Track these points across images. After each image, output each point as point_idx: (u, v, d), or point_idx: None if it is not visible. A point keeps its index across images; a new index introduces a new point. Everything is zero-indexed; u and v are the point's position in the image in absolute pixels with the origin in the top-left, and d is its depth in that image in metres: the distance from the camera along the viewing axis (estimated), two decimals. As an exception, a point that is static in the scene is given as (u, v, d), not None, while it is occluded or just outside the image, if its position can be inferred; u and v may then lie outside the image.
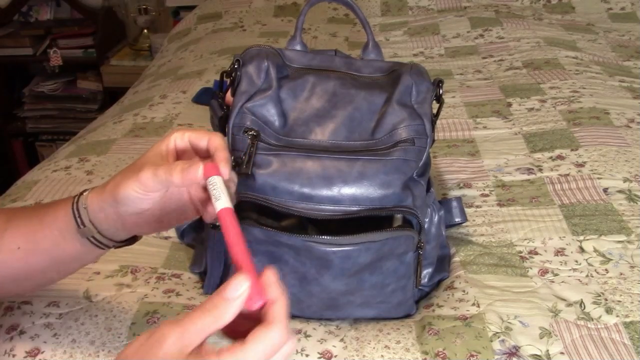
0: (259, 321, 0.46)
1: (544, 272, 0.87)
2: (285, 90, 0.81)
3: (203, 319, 0.45)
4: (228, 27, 2.08)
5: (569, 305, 0.80)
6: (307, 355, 0.75)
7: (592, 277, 0.85)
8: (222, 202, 0.53)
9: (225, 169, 0.56)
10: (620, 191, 1.02)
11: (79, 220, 0.61)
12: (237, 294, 0.46)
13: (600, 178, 1.06)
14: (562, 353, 0.73)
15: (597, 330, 0.76)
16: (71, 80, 2.76)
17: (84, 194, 0.63)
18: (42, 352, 0.75)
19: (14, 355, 0.75)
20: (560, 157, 1.14)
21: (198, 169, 0.55)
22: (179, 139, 0.61)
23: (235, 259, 0.49)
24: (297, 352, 0.75)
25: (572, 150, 1.15)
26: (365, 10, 2.11)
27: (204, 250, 0.86)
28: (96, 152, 1.28)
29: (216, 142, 0.59)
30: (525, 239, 0.94)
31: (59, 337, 0.76)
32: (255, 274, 0.48)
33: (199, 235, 0.93)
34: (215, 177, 0.55)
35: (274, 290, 0.48)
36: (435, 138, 1.01)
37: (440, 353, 0.74)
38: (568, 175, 1.08)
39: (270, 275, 0.48)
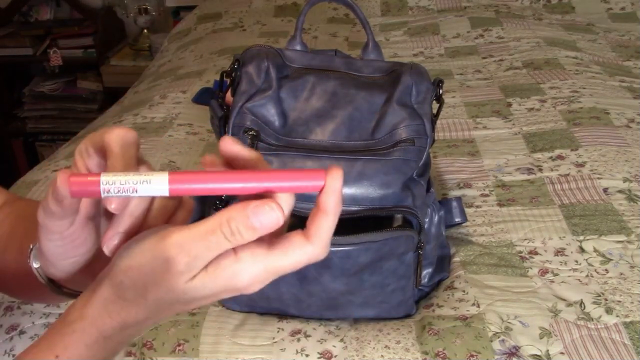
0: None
1: (544, 272, 0.87)
2: (285, 90, 0.81)
3: (215, 238, 0.38)
4: (228, 27, 2.08)
5: (569, 305, 0.80)
6: (307, 355, 0.75)
7: (592, 277, 0.85)
8: (154, 176, 0.37)
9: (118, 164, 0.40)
10: (620, 191, 1.02)
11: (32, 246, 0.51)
12: (259, 225, 0.37)
13: (600, 178, 1.06)
14: (562, 353, 0.73)
15: (597, 330, 0.76)
16: (71, 80, 2.76)
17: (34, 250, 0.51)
18: (42, 352, 0.75)
19: (14, 355, 0.75)
20: (560, 157, 1.14)
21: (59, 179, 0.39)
22: (84, 154, 0.43)
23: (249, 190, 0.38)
24: (297, 352, 0.75)
25: (572, 150, 1.15)
26: (365, 10, 2.10)
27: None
28: (96, 152, 1.27)
29: (110, 138, 0.41)
30: (525, 239, 0.94)
31: (59, 337, 0.76)
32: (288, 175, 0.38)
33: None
34: (105, 177, 0.37)
35: (332, 201, 0.39)
36: (435, 138, 1.01)
37: (440, 353, 0.74)
38: (568, 175, 1.08)
39: (335, 182, 0.39)
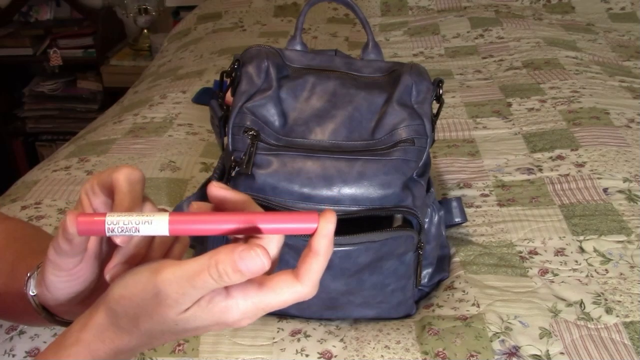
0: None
1: (544, 272, 0.87)
2: (285, 90, 0.81)
3: (205, 279, 0.39)
4: (228, 27, 2.08)
5: (569, 305, 0.80)
6: (307, 355, 0.75)
7: (592, 277, 0.85)
8: (155, 217, 0.40)
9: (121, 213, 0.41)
10: (620, 191, 1.02)
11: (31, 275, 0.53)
12: (247, 269, 0.38)
13: (600, 178, 1.06)
14: (562, 353, 0.73)
15: (597, 330, 0.76)
16: (71, 80, 2.76)
17: (32, 280, 0.53)
18: (42, 352, 0.75)
19: (14, 355, 0.75)
20: (560, 157, 1.14)
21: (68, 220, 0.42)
22: (89, 193, 0.46)
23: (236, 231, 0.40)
24: (297, 352, 0.75)
25: (572, 150, 1.15)
26: (365, 10, 2.10)
27: (203, 251, 0.86)
28: (96, 152, 1.28)
29: (119, 178, 0.44)
30: (525, 239, 0.94)
31: (59, 337, 0.76)
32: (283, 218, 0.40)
33: (199, 236, 0.93)
34: (110, 217, 0.40)
35: (323, 243, 0.40)
36: (435, 138, 1.01)
37: (440, 353, 0.74)
38: (568, 175, 1.08)
39: (328, 225, 0.40)
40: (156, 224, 0.40)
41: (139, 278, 0.42)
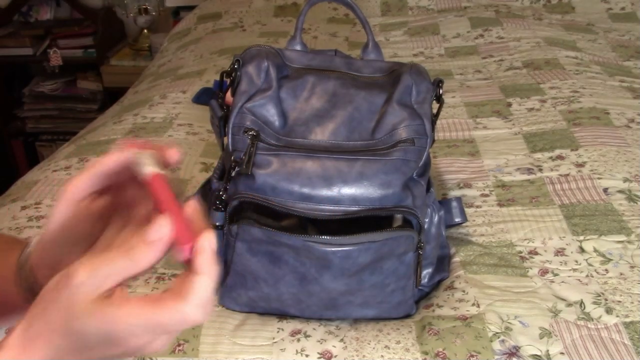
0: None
1: (544, 272, 0.87)
2: (285, 90, 0.81)
3: (117, 261, 0.41)
4: (228, 27, 2.08)
5: (569, 305, 0.80)
6: (307, 356, 0.75)
7: (592, 277, 0.85)
8: (152, 169, 0.46)
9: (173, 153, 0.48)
10: (620, 191, 1.02)
11: (22, 258, 0.55)
12: (156, 236, 0.41)
13: (600, 178, 1.06)
14: (562, 353, 0.73)
15: (597, 330, 0.76)
16: (71, 80, 2.76)
17: (36, 238, 0.56)
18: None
19: (13, 355, 0.75)
20: (560, 157, 1.14)
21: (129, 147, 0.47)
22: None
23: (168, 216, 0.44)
24: (297, 352, 0.75)
25: (572, 150, 1.15)
26: (365, 10, 2.10)
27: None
28: (96, 152, 1.28)
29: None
30: (525, 239, 0.94)
31: (59, 337, 0.76)
32: (184, 224, 0.43)
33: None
34: (146, 151, 0.47)
35: (204, 262, 0.41)
36: (435, 138, 1.01)
37: (440, 353, 0.74)
38: (568, 175, 1.08)
39: (205, 242, 0.42)
40: (148, 165, 0.45)
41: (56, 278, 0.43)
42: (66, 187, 0.49)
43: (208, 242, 0.42)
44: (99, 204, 0.51)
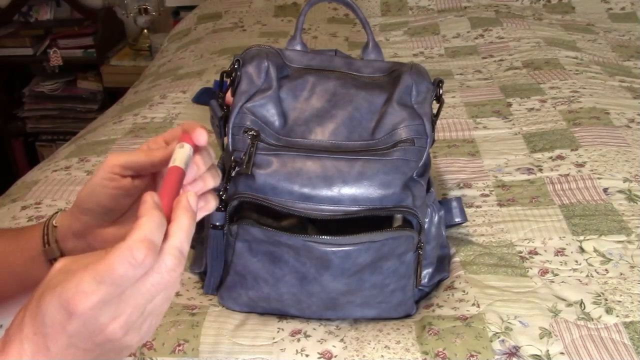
0: None
1: (544, 272, 0.87)
2: (285, 90, 0.81)
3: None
4: (228, 27, 2.08)
5: (569, 305, 0.80)
6: (307, 356, 0.75)
7: (592, 277, 0.85)
8: (177, 163, 0.50)
9: (202, 136, 0.54)
10: (620, 191, 1.02)
11: (45, 238, 0.58)
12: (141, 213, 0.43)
13: (600, 178, 1.06)
14: (562, 353, 0.73)
15: (597, 330, 0.76)
16: (71, 80, 2.76)
17: (58, 212, 0.60)
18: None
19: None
20: (560, 157, 1.14)
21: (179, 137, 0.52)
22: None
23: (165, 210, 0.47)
24: (297, 352, 0.75)
25: (572, 150, 1.15)
26: (365, 10, 2.10)
27: (203, 251, 0.86)
28: (96, 152, 1.28)
29: (184, 126, 0.55)
30: (525, 239, 0.94)
31: (59, 337, 0.76)
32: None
33: (198, 235, 0.93)
34: (186, 145, 0.53)
35: (143, 209, 0.43)
36: (435, 138, 1.01)
37: (440, 353, 0.74)
38: (568, 175, 1.08)
39: (147, 196, 0.44)
40: (176, 159, 0.50)
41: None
42: (108, 159, 0.53)
43: (150, 196, 0.44)
44: (136, 183, 0.54)
